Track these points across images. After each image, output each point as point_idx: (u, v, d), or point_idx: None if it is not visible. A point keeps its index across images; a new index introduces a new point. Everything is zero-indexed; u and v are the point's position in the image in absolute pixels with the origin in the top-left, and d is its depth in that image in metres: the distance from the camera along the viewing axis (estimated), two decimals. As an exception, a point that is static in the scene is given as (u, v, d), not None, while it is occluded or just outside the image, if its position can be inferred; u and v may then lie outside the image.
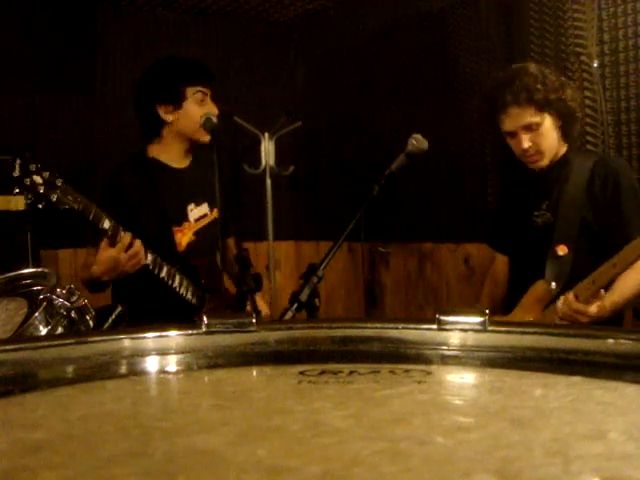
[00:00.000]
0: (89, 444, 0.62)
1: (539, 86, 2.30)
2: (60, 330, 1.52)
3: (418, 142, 2.18)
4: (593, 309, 2.09)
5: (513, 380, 0.85)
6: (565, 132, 2.39)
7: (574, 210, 2.33)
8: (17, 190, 2.17)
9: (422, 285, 4.22)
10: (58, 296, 1.53)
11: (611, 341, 0.92)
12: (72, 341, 1.01)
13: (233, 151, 4.14)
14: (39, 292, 1.59)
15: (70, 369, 0.97)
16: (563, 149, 2.42)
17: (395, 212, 4.12)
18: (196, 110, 2.57)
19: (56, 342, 1.01)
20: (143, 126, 2.70)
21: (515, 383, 0.84)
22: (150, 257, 2.43)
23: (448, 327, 1.01)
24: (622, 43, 3.15)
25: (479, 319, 1.00)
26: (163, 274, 2.47)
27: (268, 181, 4.11)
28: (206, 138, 2.57)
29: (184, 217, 2.66)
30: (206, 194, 2.64)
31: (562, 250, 2.31)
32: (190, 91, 2.58)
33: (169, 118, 2.61)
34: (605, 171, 2.32)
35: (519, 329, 1.02)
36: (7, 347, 0.96)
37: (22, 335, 1.47)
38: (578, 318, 2.10)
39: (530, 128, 2.32)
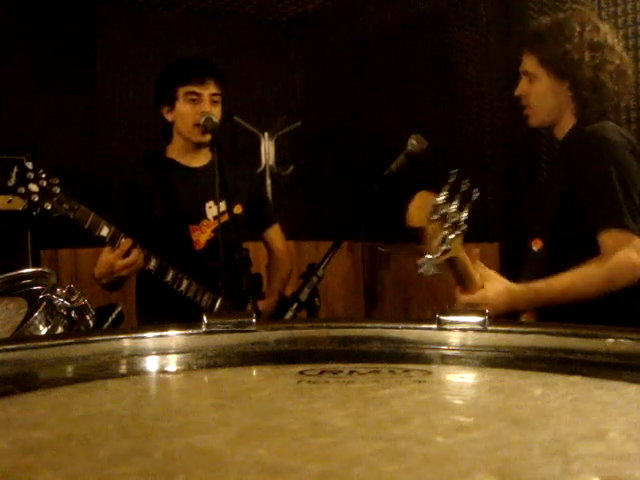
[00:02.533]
0: (89, 444, 0.62)
1: (559, 43, 2.03)
2: (60, 330, 1.52)
3: (418, 142, 2.18)
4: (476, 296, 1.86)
5: (513, 380, 0.85)
6: (579, 104, 2.05)
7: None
8: (10, 198, 2.20)
9: (422, 285, 4.21)
10: (58, 296, 1.53)
11: (611, 341, 0.92)
12: (72, 341, 1.01)
13: (233, 151, 4.14)
14: (39, 292, 1.59)
15: (70, 369, 0.97)
16: (569, 123, 2.09)
17: (395, 212, 4.11)
18: (187, 110, 2.57)
19: (56, 342, 1.01)
20: (161, 127, 2.72)
21: (515, 383, 0.84)
22: (154, 262, 2.43)
23: (448, 327, 1.01)
24: (622, 43, 3.15)
25: (479, 319, 1.00)
26: (168, 278, 2.47)
27: (268, 181, 4.12)
28: (200, 138, 2.57)
29: (202, 215, 2.65)
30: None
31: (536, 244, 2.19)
32: (181, 91, 2.58)
33: (169, 118, 2.63)
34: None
35: (519, 329, 1.02)
36: (7, 347, 0.95)
37: (22, 335, 1.47)
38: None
39: (527, 74, 2.11)
